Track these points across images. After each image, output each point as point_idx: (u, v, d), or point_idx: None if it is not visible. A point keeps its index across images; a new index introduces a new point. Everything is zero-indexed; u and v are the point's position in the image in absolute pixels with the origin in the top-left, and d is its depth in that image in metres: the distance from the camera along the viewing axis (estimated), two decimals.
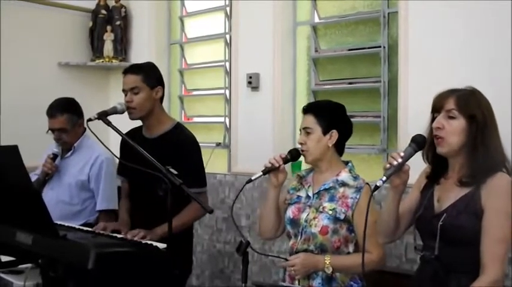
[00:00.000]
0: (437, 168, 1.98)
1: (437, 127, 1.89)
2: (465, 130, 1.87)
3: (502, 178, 1.86)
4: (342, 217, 2.23)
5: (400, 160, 1.85)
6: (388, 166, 1.86)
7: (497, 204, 1.83)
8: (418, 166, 2.04)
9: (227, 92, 3.87)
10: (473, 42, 2.67)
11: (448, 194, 1.93)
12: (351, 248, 2.26)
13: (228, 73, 3.85)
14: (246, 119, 3.67)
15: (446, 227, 1.86)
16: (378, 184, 1.82)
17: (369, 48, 3.27)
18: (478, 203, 1.85)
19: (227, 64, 3.87)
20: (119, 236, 2.42)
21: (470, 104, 1.87)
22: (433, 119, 1.93)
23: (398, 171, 1.87)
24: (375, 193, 1.82)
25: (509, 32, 2.54)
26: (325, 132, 2.30)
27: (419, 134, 1.93)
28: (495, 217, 1.82)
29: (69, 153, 3.15)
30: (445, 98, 1.90)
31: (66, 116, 3.08)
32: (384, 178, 1.83)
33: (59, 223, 2.70)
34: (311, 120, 2.32)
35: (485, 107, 1.90)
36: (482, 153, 1.85)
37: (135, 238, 2.38)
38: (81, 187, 3.10)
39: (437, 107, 1.92)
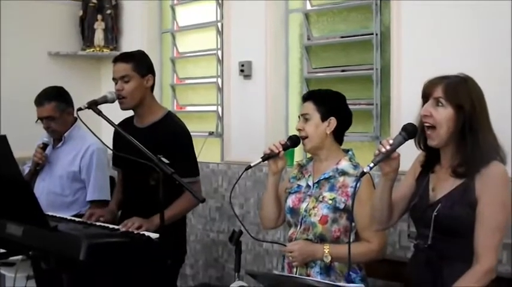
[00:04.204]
0: (431, 155, 1.97)
1: (425, 115, 1.88)
2: (452, 119, 1.86)
3: (496, 167, 1.85)
4: (342, 206, 2.21)
5: (388, 147, 1.85)
6: (376, 152, 1.86)
7: (491, 194, 1.82)
8: (411, 154, 2.03)
9: (219, 80, 3.85)
10: (467, 30, 2.65)
11: (443, 184, 1.92)
12: (351, 238, 2.24)
13: (220, 61, 3.82)
14: (239, 107, 3.65)
15: (440, 218, 1.86)
16: (365, 170, 1.83)
17: (361, 35, 3.25)
18: (472, 193, 1.85)
19: (219, 52, 3.84)
20: (111, 226, 2.41)
21: (458, 93, 1.86)
22: (423, 106, 1.92)
23: (387, 158, 1.86)
24: (375, 181, 1.81)
25: (504, 18, 2.52)
26: (323, 119, 2.28)
27: (410, 123, 1.92)
28: (489, 206, 1.82)
29: (60, 143, 3.12)
30: (434, 85, 1.89)
31: (54, 103, 3.04)
32: (372, 164, 1.83)
33: (50, 213, 2.69)
34: (310, 107, 2.30)
35: (476, 96, 1.87)
36: (471, 142, 1.84)
37: (130, 229, 2.37)
38: (73, 178, 3.07)
39: (426, 94, 1.91)
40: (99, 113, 2.43)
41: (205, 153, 3.69)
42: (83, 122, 2.43)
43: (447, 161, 1.92)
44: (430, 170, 1.98)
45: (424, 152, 2.00)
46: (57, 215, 2.61)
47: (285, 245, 2.27)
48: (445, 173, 1.92)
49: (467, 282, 1.79)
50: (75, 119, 3.11)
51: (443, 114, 1.86)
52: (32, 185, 3.15)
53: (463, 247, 1.84)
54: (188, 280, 3.92)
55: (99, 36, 4.28)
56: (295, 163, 2.48)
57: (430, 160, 1.98)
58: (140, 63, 2.68)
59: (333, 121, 2.28)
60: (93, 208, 2.98)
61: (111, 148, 2.72)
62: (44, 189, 3.08)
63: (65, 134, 3.10)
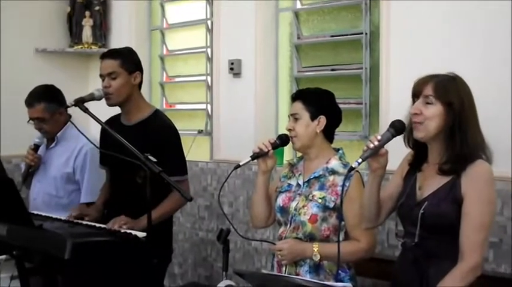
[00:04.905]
0: (419, 154, 1.98)
1: (415, 113, 1.89)
2: (442, 116, 1.86)
3: (482, 165, 1.86)
4: (332, 205, 2.21)
5: (376, 143, 1.85)
6: (365, 148, 1.86)
7: (476, 192, 1.83)
8: (399, 152, 2.03)
9: (209, 78, 3.83)
10: (456, 29, 2.65)
11: (430, 182, 1.92)
12: (340, 237, 2.23)
13: (210, 59, 3.81)
14: (228, 106, 3.63)
15: (427, 216, 1.86)
16: (353, 166, 1.83)
17: (351, 34, 3.25)
18: (458, 191, 1.85)
19: (209, 50, 3.82)
20: (97, 225, 2.39)
21: (448, 91, 1.87)
22: (413, 105, 1.92)
23: (376, 155, 1.87)
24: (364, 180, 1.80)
25: (492, 17, 2.53)
26: (313, 118, 2.27)
27: (398, 120, 1.92)
28: (475, 204, 1.82)
29: (53, 144, 3.05)
30: (423, 83, 1.90)
31: (44, 104, 2.96)
32: (360, 160, 1.83)
33: (35, 212, 2.66)
34: (299, 107, 2.30)
35: (464, 94, 1.89)
36: (459, 140, 1.85)
37: (116, 225, 2.35)
38: (67, 179, 3.01)
39: (416, 93, 1.92)
40: (86, 110, 2.41)
41: (195, 151, 3.68)
42: (73, 124, 2.42)
43: (434, 159, 1.93)
44: (418, 168, 1.98)
45: (412, 151, 2.00)
46: (43, 214, 2.59)
47: (275, 244, 2.26)
48: (432, 171, 1.93)
49: (452, 280, 1.80)
50: (69, 118, 3.01)
51: (433, 111, 1.86)
52: (28, 186, 3.12)
53: (450, 244, 1.85)
54: (177, 279, 3.91)
55: (87, 33, 4.24)
56: (285, 161, 2.47)
57: (418, 158, 1.98)
58: (128, 60, 2.66)
59: (322, 120, 2.28)
60: (77, 207, 2.96)
61: (99, 146, 2.69)
62: (39, 190, 3.04)
63: (58, 134, 3.03)
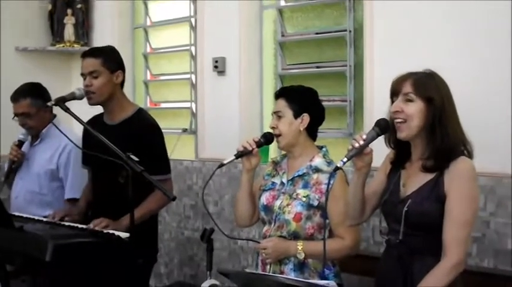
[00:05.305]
0: (401, 152, 1.98)
1: (396, 111, 1.89)
2: (423, 113, 1.87)
3: (464, 162, 1.87)
4: (316, 203, 2.21)
5: (362, 142, 1.86)
6: (350, 147, 1.87)
7: (459, 189, 1.83)
8: (383, 150, 2.03)
9: (193, 76, 3.80)
10: (439, 26, 2.66)
11: (413, 180, 1.93)
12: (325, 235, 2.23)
13: (194, 57, 3.78)
14: (213, 104, 3.62)
15: (410, 213, 1.87)
16: (338, 165, 1.84)
17: (335, 32, 3.24)
18: (441, 188, 1.86)
19: (193, 48, 3.80)
20: (79, 226, 2.36)
21: (427, 87, 1.87)
22: (392, 103, 1.92)
23: (360, 153, 1.87)
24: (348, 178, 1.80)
25: (476, 15, 2.53)
26: (296, 116, 2.27)
27: (383, 118, 1.93)
28: (457, 201, 1.83)
29: (38, 141, 3.06)
30: (402, 81, 1.90)
31: (30, 100, 2.98)
32: (345, 159, 1.84)
33: (16, 214, 2.63)
34: (282, 104, 2.29)
35: (443, 90, 1.90)
36: (440, 134, 1.86)
37: (97, 227, 2.33)
38: (51, 176, 3.02)
39: (395, 91, 1.92)
40: (67, 110, 2.38)
41: (179, 150, 3.66)
42: (55, 125, 2.43)
43: (417, 156, 1.93)
44: (401, 166, 1.99)
45: (393, 150, 2.00)
46: (24, 216, 2.56)
47: (259, 243, 2.25)
48: (415, 168, 1.93)
49: (435, 276, 1.81)
50: (53, 117, 3.05)
51: (414, 108, 1.87)
52: (10, 185, 3.12)
53: (434, 241, 1.85)
54: (163, 278, 3.88)
55: (69, 31, 4.20)
56: (269, 160, 2.46)
57: (400, 157, 1.98)
58: (110, 58, 2.64)
59: (305, 118, 2.27)
60: (62, 209, 2.93)
61: (81, 146, 2.67)
62: (22, 188, 3.03)
63: (43, 131, 3.04)
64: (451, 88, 1.92)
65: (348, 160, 1.84)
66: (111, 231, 2.24)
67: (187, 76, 3.85)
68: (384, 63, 2.84)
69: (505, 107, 2.43)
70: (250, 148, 2.26)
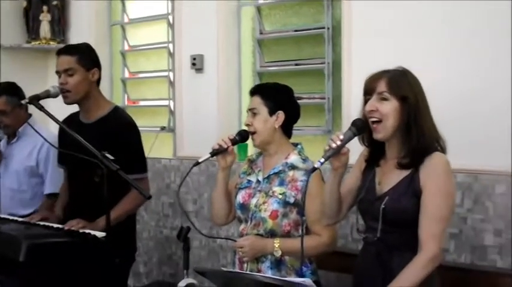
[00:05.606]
0: (375, 151, 1.99)
1: (371, 110, 1.89)
2: (398, 112, 1.87)
3: (439, 157, 1.88)
4: (292, 200, 2.21)
5: (339, 143, 1.85)
6: (327, 148, 1.86)
7: (434, 184, 1.85)
8: (358, 147, 2.04)
9: (171, 74, 3.78)
10: (417, 24, 2.67)
11: (389, 177, 1.94)
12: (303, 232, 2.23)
13: (172, 55, 3.76)
14: (191, 101, 3.60)
15: (388, 210, 1.88)
16: (316, 166, 1.83)
17: (313, 29, 3.24)
18: (417, 184, 1.87)
19: (170, 46, 3.77)
20: (55, 226, 2.33)
21: (401, 85, 1.88)
22: (365, 102, 1.92)
23: (338, 153, 1.87)
24: (324, 176, 1.80)
25: (455, 12, 2.55)
26: (271, 113, 2.27)
27: (359, 118, 1.93)
28: (433, 196, 1.84)
29: (15, 139, 3.06)
30: (376, 80, 1.90)
31: (5, 97, 3.00)
32: (322, 160, 1.84)
33: None
34: (257, 102, 2.29)
35: (416, 88, 1.91)
36: (416, 133, 1.87)
37: (73, 228, 2.30)
38: (30, 172, 3.03)
39: (369, 90, 1.92)
40: (41, 108, 2.35)
41: (158, 148, 3.63)
42: (30, 125, 2.41)
43: (393, 154, 1.94)
44: (375, 164, 1.99)
45: (367, 148, 2.01)
46: (1, 216, 2.54)
47: (236, 241, 2.24)
48: (390, 166, 1.94)
49: (412, 270, 1.82)
50: (29, 116, 3.05)
51: (389, 107, 1.87)
52: None
53: (412, 237, 1.86)
54: (142, 277, 3.86)
55: (45, 28, 4.14)
56: (243, 158, 2.46)
57: (375, 154, 1.99)
58: (85, 56, 2.61)
59: (281, 115, 2.27)
60: (49, 203, 2.94)
61: (56, 145, 2.66)
62: (1, 186, 3.02)
63: (20, 129, 3.05)
64: (423, 84, 1.93)
65: (326, 160, 1.85)
66: (87, 231, 2.21)
67: (165, 74, 3.82)
68: (361, 60, 2.84)
69: (502, 104, 2.40)
70: (226, 146, 2.25)
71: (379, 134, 1.89)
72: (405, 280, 1.81)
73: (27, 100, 2.37)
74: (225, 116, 3.48)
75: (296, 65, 3.37)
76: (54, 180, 3.00)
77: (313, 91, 3.25)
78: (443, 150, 1.91)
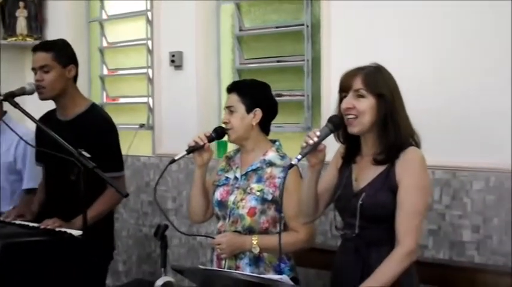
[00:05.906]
0: (351, 147, 2.00)
1: (348, 107, 1.89)
2: (374, 109, 1.88)
3: (414, 152, 1.89)
4: (270, 197, 2.21)
5: (315, 139, 1.86)
6: (304, 144, 1.86)
7: (410, 178, 1.86)
8: (334, 145, 2.05)
9: (150, 71, 3.75)
10: (396, 22, 2.68)
11: (365, 173, 1.94)
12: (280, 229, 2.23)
13: (151, 52, 3.72)
14: (170, 99, 3.57)
15: (365, 206, 1.88)
16: (293, 162, 1.84)
17: (293, 26, 3.24)
18: (393, 179, 1.88)
19: (149, 42, 3.74)
20: (30, 224, 2.30)
21: (377, 82, 1.89)
22: (341, 99, 1.92)
23: (314, 150, 1.88)
24: (302, 173, 1.80)
25: (434, 10, 2.56)
26: (248, 111, 2.26)
27: (335, 115, 1.94)
28: (408, 191, 1.85)
29: None
30: (351, 77, 1.91)
31: None
32: (299, 156, 1.84)
33: None
34: (234, 99, 2.28)
35: (392, 84, 1.92)
36: (393, 129, 1.88)
37: (49, 227, 2.27)
38: (8, 169, 2.99)
39: (344, 87, 1.92)
40: (16, 105, 2.31)
41: (137, 146, 3.61)
42: (6, 124, 2.37)
43: (369, 150, 1.95)
44: (352, 161, 2.00)
45: (343, 145, 2.02)
46: None
47: (213, 238, 2.24)
48: (366, 162, 1.95)
49: (389, 265, 1.83)
50: (4, 113, 2.98)
51: (366, 104, 1.88)
52: None
53: (390, 232, 1.87)
54: (121, 276, 3.82)
55: (21, 25, 4.07)
56: (222, 155, 2.45)
57: (351, 151, 1.99)
58: (61, 52, 2.58)
59: (258, 112, 2.27)
60: (27, 198, 2.90)
61: (33, 142, 2.61)
62: None
63: None
64: (398, 81, 1.94)
65: (303, 157, 1.85)
66: (63, 229, 2.18)
67: (144, 71, 3.79)
68: (341, 57, 2.85)
69: (500, 102, 2.41)
70: (202, 143, 2.24)
71: (355, 128, 1.90)
72: (382, 274, 1.82)
73: (1, 97, 2.33)
74: (204, 113, 3.47)
75: (278, 61, 3.36)
76: (33, 175, 2.97)
77: (293, 88, 3.26)
78: (417, 145, 1.92)
